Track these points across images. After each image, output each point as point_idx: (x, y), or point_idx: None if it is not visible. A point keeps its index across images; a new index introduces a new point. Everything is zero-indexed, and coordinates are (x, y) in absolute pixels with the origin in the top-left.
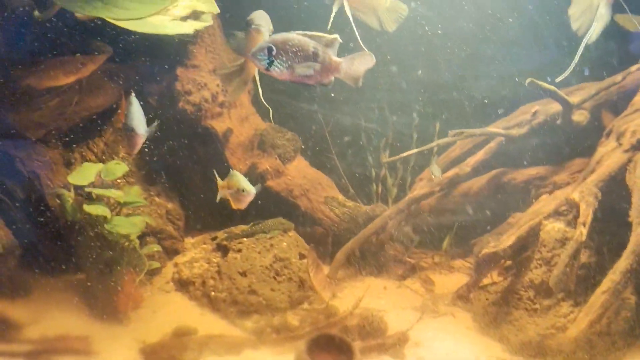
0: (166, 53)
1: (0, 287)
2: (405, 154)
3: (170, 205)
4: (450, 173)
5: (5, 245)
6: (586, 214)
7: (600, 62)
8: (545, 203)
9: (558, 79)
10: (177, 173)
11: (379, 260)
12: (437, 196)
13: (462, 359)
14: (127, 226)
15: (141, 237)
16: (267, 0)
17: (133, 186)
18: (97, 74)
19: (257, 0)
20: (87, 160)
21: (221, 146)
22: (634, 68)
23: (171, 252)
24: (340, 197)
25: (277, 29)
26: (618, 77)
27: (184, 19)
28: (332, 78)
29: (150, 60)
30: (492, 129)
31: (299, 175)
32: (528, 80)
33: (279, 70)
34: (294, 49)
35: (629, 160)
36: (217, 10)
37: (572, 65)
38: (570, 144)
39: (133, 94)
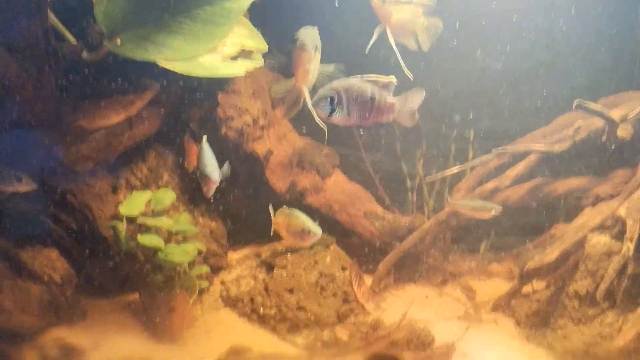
0: (206, 78)
1: (60, 315)
2: (447, 172)
3: (213, 225)
4: (491, 185)
5: (63, 275)
6: (633, 229)
7: None
8: (590, 217)
9: None
10: (220, 194)
11: (418, 268)
12: None
13: None
14: (180, 254)
15: None
16: (306, 19)
17: (182, 213)
18: None
19: (297, 18)
20: (131, 186)
21: (262, 167)
22: None
23: (216, 269)
24: (379, 210)
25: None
26: None
27: (235, 58)
28: (391, 117)
29: (191, 85)
30: (535, 145)
31: (337, 190)
32: (576, 101)
33: (339, 118)
34: (353, 96)
35: None
36: (266, 48)
37: None
38: (613, 155)
39: (205, 139)
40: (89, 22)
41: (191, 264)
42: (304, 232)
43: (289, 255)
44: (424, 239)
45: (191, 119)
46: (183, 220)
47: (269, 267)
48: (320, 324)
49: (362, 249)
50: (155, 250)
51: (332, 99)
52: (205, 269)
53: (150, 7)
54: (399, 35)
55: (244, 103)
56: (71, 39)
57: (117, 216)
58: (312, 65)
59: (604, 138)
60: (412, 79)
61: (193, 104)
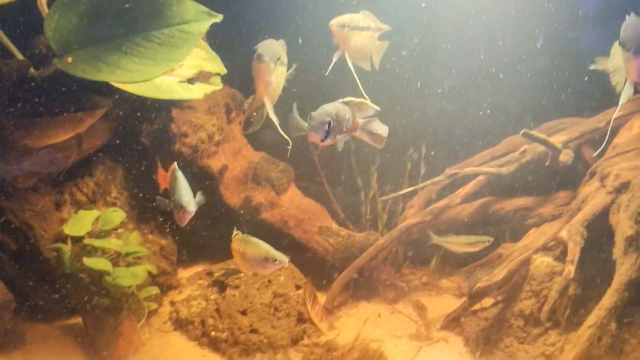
0: None
1: None
2: (400, 193)
3: (164, 242)
4: (441, 203)
5: (1, 299)
6: (574, 252)
7: None
8: (534, 238)
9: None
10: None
11: (371, 285)
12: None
13: None
14: (128, 278)
15: None
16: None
17: (132, 233)
18: None
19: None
20: (77, 202)
21: (216, 182)
22: (615, 115)
23: (166, 288)
24: (334, 226)
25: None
26: (602, 123)
27: (192, 81)
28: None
29: (145, 99)
30: (483, 169)
31: (292, 205)
32: (522, 131)
33: (328, 141)
34: (340, 120)
35: (612, 202)
36: (224, 70)
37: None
38: (555, 177)
39: (177, 169)
40: (38, 35)
41: (140, 286)
42: (267, 261)
43: (242, 275)
44: (378, 256)
45: (144, 134)
46: (132, 241)
47: (222, 287)
48: (273, 347)
49: (316, 266)
50: (102, 273)
51: (329, 124)
52: (154, 290)
53: (104, 25)
54: (356, 58)
55: (198, 119)
56: (18, 55)
57: (61, 236)
58: (272, 77)
59: (547, 162)
60: (368, 100)
61: (146, 118)
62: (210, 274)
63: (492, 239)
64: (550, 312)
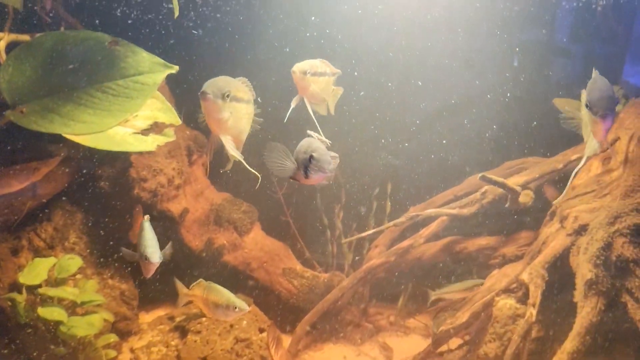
0: None
1: None
2: (363, 234)
3: (124, 286)
4: (405, 243)
5: None
6: (535, 295)
7: None
8: (497, 279)
9: None
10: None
11: (336, 326)
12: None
13: None
14: (84, 327)
15: None
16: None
17: (89, 280)
18: None
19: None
20: (34, 247)
21: (177, 225)
22: (573, 157)
23: (126, 334)
24: (298, 267)
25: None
26: (559, 165)
27: (146, 132)
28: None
29: None
30: (445, 210)
31: (256, 247)
32: (480, 175)
33: (313, 176)
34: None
35: (572, 244)
36: (178, 121)
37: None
38: (516, 216)
39: (147, 219)
40: None
41: (98, 333)
42: (229, 308)
43: (203, 319)
44: (343, 297)
45: (103, 178)
46: (89, 288)
47: (183, 332)
48: None
49: (280, 308)
50: (57, 323)
51: (310, 158)
52: (112, 337)
53: (58, 77)
54: (314, 103)
55: (158, 163)
56: None
57: (17, 284)
58: (222, 114)
59: (507, 204)
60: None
61: (105, 162)
62: (171, 318)
63: (483, 281)
64: (514, 355)
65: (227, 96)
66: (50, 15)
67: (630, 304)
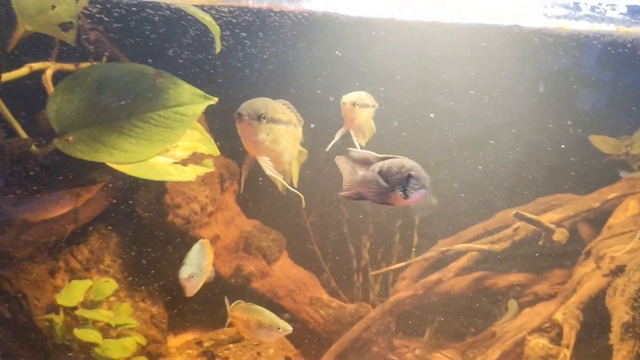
0: None
1: None
2: (393, 267)
3: (154, 309)
4: (434, 277)
5: None
6: (569, 336)
7: None
8: (529, 318)
9: None
10: (163, 277)
11: (362, 358)
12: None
13: None
14: (118, 350)
15: None
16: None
17: (123, 303)
18: None
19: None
20: (71, 269)
21: None
22: (610, 196)
23: (155, 357)
24: (325, 296)
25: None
26: (596, 204)
27: (185, 162)
28: None
29: None
30: (476, 246)
31: (283, 275)
32: (514, 212)
33: (413, 195)
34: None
35: (608, 285)
36: (217, 152)
37: None
38: (550, 254)
39: (200, 242)
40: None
41: (130, 356)
42: (272, 329)
43: (231, 346)
44: (369, 328)
45: (138, 203)
46: (123, 312)
47: (211, 358)
48: None
49: (306, 338)
50: (92, 345)
51: (409, 177)
52: None
53: (103, 108)
54: (356, 135)
55: (192, 190)
56: (22, 133)
57: (54, 304)
58: (258, 136)
59: (541, 242)
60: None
61: (141, 187)
62: (199, 343)
63: None
64: None
65: (263, 117)
66: (94, 46)
67: None
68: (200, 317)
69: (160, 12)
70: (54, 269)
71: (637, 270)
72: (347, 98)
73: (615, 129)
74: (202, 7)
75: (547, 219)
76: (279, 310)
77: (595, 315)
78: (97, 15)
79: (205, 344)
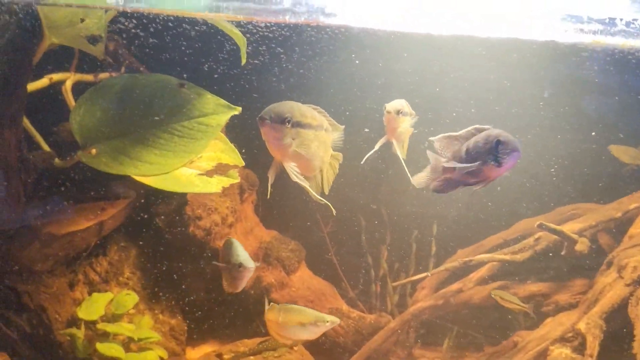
0: None
1: None
2: (415, 278)
3: (173, 322)
4: (454, 287)
5: None
6: (593, 346)
7: None
8: (551, 328)
9: None
10: (182, 289)
11: None
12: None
13: None
14: None
15: None
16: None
17: (144, 316)
18: None
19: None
20: (90, 281)
21: None
22: (631, 206)
23: None
24: (345, 307)
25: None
26: (617, 213)
27: (210, 173)
28: None
29: None
30: (498, 256)
31: (302, 286)
32: (538, 223)
33: (506, 161)
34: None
35: (631, 294)
36: (242, 162)
37: None
38: (571, 263)
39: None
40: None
41: None
42: (317, 325)
43: (252, 358)
44: (389, 339)
45: (158, 214)
46: (144, 325)
47: None
48: None
49: (326, 349)
50: (114, 359)
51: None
52: None
53: (127, 119)
54: (398, 145)
55: (213, 202)
56: (45, 146)
57: (74, 318)
58: (285, 140)
59: (564, 252)
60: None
61: (162, 199)
62: (219, 355)
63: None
64: None
65: (288, 121)
66: (114, 57)
67: None
68: (220, 329)
69: (196, 27)
70: (73, 282)
71: None
72: (392, 106)
73: None
74: (238, 23)
75: (568, 228)
76: None
77: (618, 324)
78: (122, 28)
79: (225, 357)
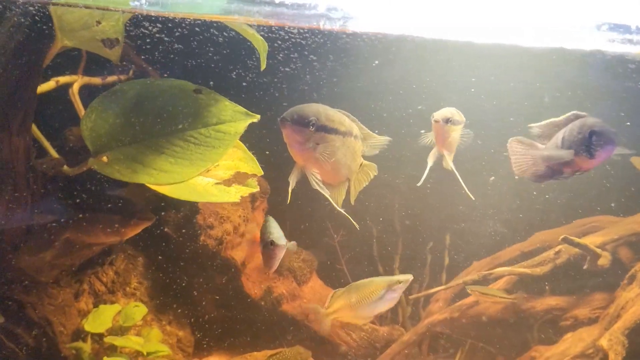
0: None
1: None
2: (430, 291)
3: (181, 333)
4: (470, 300)
5: None
6: None
7: None
8: (572, 344)
9: None
10: (190, 300)
11: None
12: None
13: None
14: None
15: None
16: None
17: (152, 329)
18: None
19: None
20: (95, 292)
21: (238, 273)
22: None
23: None
24: None
25: None
26: None
27: (228, 182)
28: None
29: None
30: (517, 270)
31: (314, 297)
32: (562, 236)
33: (600, 153)
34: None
35: None
36: (260, 171)
37: None
38: (590, 277)
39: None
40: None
41: None
42: (392, 289)
43: None
44: (402, 351)
45: (168, 223)
46: (153, 338)
47: None
48: None
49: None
50: None
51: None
52: None
53: (141, 126)
54: (448, 156)
55: (225, 210)
56: (53, 153)
57: (79, 330)
58: (307, 144)
59: (586, 266)
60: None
61: (171, 207)
62: None
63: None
64: None
65: (312, 124)
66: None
67: None
68: (228, 341)
69: (224, 33)
70: (78, 292)
71: None
72: (440, 115)
73: None
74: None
75: (589, 241)
76: (310, 333)
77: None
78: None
79: None
